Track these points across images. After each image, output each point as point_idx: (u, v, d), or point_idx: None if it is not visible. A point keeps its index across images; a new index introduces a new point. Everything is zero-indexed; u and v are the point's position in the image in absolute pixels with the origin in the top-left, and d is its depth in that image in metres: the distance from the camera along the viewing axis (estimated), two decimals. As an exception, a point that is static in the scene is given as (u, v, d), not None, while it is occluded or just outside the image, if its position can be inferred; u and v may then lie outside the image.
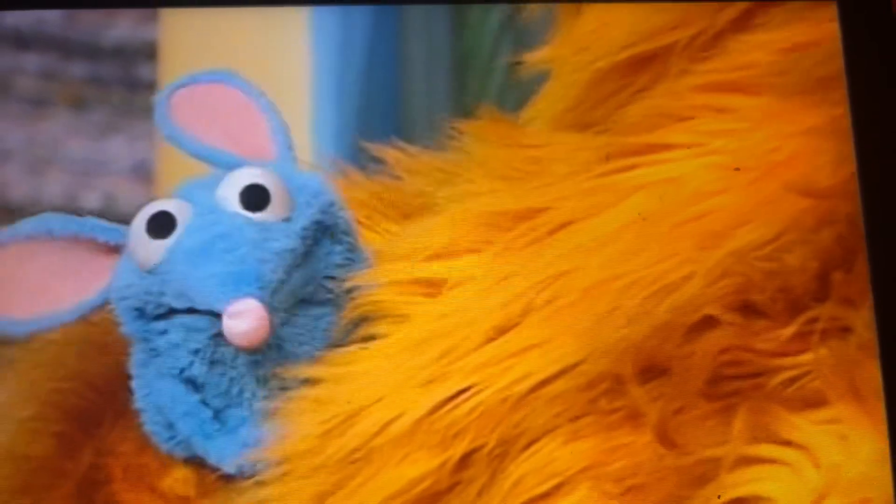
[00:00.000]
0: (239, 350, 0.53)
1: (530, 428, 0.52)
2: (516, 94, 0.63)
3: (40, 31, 0.66)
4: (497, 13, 0.65)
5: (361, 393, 0.53)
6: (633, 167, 0.57)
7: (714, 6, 0.60)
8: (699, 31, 0.60)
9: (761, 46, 0.59)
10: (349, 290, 0.56)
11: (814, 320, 0.53)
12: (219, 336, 0.53)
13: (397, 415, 0.53)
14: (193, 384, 0.54)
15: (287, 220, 0.55)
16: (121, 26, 0.67)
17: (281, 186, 0.55)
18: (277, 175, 0.56)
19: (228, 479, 0.54)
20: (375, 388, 0.53)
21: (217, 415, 0.54)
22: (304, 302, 0.55)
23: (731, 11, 0.60)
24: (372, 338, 0.55)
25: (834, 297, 0.54)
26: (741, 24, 0.60)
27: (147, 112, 0.64)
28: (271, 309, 0.53)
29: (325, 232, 0.56)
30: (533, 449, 0.52)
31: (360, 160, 0.62)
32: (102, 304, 0.55)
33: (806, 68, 0.58)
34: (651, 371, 0.53)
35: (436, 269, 0.56)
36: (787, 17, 0.60)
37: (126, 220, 0.56)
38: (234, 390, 0.54)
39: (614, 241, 0.55)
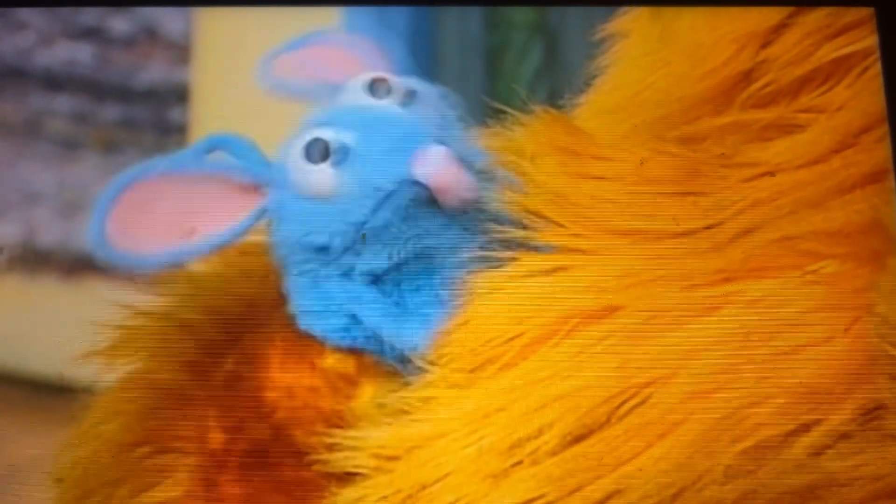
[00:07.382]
0: (435, 203, 0.52)
1: None
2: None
3: (72, 73, 0.66)
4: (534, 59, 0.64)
5: (426, 471, 0.50)
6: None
7: None
8: None
9: None
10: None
11: None
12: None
13: None
14: (375, 280, 0.54)
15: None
16: (153, 69, 0.66)
17: (397, 80, 0.56)
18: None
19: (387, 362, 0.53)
20: (441, 468, 0.50)
21: (397, 303, 0.54)
22: None
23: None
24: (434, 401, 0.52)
25: None
26: None
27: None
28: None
29: None
30: None
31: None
32: (231, 242, 0.54)
33: None
34: None
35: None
36: None
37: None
38: (416, 281, 0.54)
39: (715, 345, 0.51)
